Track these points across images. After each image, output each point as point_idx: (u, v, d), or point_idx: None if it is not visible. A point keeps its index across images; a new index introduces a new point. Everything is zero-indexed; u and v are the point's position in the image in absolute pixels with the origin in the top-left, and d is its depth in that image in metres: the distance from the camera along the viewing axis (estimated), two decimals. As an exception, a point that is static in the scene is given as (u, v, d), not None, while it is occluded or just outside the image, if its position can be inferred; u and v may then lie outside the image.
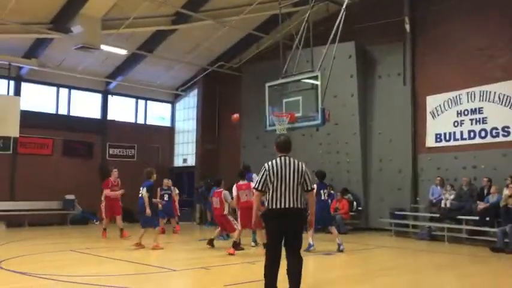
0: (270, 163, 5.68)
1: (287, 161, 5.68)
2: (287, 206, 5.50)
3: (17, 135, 16.02)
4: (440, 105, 14.83)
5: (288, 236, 5.52)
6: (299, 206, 5.56)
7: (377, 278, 8.06)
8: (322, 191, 11.16)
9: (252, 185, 10.23)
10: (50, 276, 7.43)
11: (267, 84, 15.05)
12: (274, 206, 5.52)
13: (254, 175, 12.21)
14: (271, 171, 5.60)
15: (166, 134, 21.92)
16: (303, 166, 5.70)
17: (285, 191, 5.52)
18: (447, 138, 14.60)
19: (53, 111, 18.67)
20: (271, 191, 5.55)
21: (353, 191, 16.03)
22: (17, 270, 7.95)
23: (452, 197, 13.34)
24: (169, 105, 22.31)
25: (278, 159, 5.72)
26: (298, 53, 13.56)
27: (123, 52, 17.01)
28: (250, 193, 10.28)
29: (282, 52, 13.86)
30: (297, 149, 16.65)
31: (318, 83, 13.68)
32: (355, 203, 15.81)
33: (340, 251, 10.52)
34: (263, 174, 5.62)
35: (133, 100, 21.03)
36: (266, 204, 5.60)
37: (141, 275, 8.05)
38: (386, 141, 15.91)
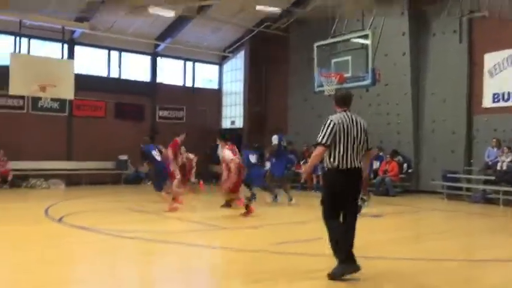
0: (337, 117, 5.20)
1: (352, 117, 5.24)
2: (354, 165, 5.16)
3: (72, 98, 16.62)
4: (499, 63, 14.07)
5: (351, 197, 5.24)
6: (360, 165, 5.24)
7: (428, 240, 7.97)
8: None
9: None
10: (107, 231, 7.80)
11: (316, 44, 14.77)
12: (342, 166, 5.12)
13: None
14: (340, 126, 5.12)
15: (214, 96, 22.06)
16: (365, 123, 5.35)
17: (352, 150, 5.14)
18: (505, 98, 13.90)
19: (105, 74, 19.16)
20: (338, 149, 5.10)
21: (403, 153, 15.71)
22: (77, 224, 8.39)
23: (509, 159, 12.82)
24: (216, 67, 22.36)
25: (344, 114, 5.23)
26: (348, 11, 13.12)
27: (171, 14, 17.05)
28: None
29: (331, 11, 13.45)
30: (346, 110, 16.46)
31: (368, 42, 13.31)
32: (405, 165, 15.50)
33: None
34: (332, 128, 5.10)
35: (181, 62, 21.20)
36: (332, 163, 5.17)
37: (192, 232, 8.31)
38: (440, 101, 15.34)
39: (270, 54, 20.45)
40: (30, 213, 10.29)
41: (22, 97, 16.57)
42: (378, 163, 15.41)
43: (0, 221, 7.67)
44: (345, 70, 13.93)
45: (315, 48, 14.81)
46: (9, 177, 16.07)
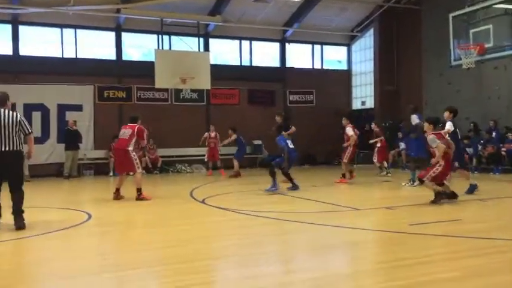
0: None
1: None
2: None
3: (209, 88, 17.81)
4: None
5: None
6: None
7: None
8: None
9: None
10: (245, 211, 8.32)
11: (451, 15, 13.94)
12: None
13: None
14: None
15: (343, 78, 21.84)
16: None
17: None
18: None
19: (237, 63, 20.08)
20: None
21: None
22: (219, 206, 9.07)
23: None
24: (345, 48, 22.06)
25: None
26: (487, -25, 12.11)
27: (297, -2, 17.26)
28: None
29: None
30: (488, 84, 15.24)
31: (513, 6, 12.18)
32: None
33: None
34: None
35: (309, 46, 21.32)
36: None
37: (326, 212, 8.47)
38: None
39: (402, 29, 19.61)
40: (178, 195, 11.31)
41: (166, 90, 18.15)
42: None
43: (154, 202, 8.68)
44: (486, 40, 12.95)
45: (451, 19, 13.94)
46: (159, 164, 17.79)
